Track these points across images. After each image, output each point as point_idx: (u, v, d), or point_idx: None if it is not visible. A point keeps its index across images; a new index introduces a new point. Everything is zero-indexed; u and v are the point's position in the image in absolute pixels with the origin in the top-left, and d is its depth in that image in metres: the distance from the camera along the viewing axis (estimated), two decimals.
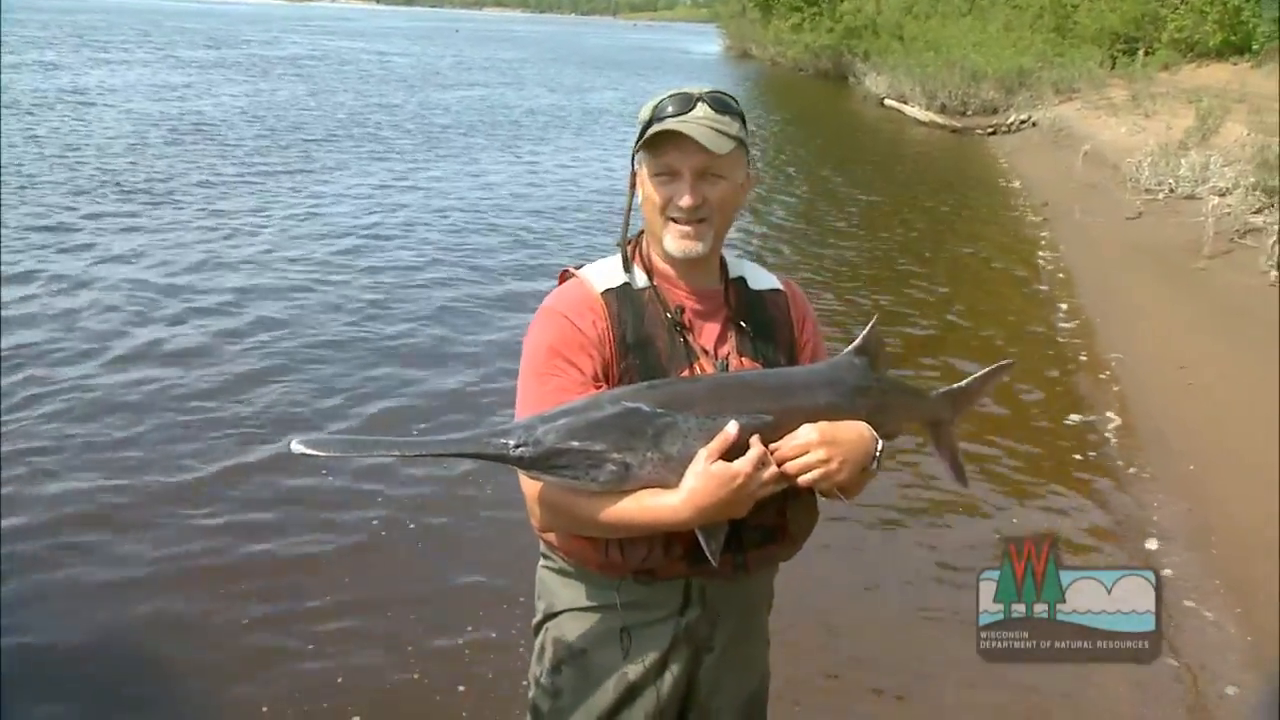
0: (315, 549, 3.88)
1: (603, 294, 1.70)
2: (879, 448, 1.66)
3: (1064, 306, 7.77)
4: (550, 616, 1.82)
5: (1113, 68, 19.35)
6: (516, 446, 1.48)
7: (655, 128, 1.64)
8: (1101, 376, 6.20)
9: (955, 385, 1.99)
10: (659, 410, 1.52)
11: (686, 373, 1.67)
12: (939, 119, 20.94)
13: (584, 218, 10.49)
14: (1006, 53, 21.80)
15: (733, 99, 1.70)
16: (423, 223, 9.72)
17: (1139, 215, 10.14)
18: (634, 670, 1.74)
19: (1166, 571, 3.95)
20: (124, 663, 3.22)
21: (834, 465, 1.59)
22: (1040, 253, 9.68)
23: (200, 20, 50.41)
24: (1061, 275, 8.74)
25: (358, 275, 7.69)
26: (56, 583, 3.58)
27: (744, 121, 1.70)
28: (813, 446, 1.58)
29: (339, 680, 3.15)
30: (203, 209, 9.67)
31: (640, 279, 1.73)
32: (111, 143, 12.92)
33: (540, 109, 20.87)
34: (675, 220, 1.66)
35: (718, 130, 1.63)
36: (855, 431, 1.64)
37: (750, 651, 1.87)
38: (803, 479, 1.59)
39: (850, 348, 1.79)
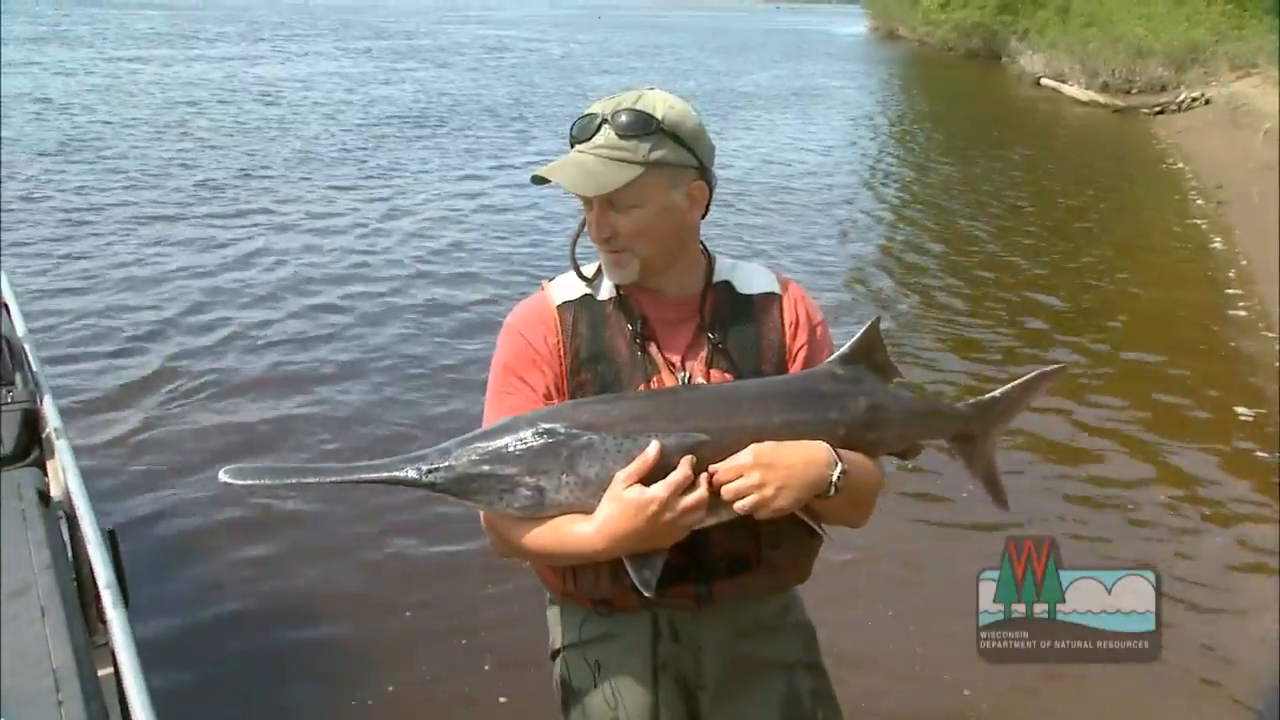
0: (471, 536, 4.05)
1: (559, 307, 1.58)
2: (837, 472, 1.44)
3: (1238, 293, 7.39)
4: (555, 654, 1.72)
5: None
6: (429, 471, 1.41)
7: (562, 158, 1.52)
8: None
9: (988, 395, 1.74)
10: (574, 430, 1.41)
11: (644, 387, 1.53)
12: (1100, 98, 20.01)
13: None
14: (1179, 26, 20.57)
15: (654, 116, 1.46)
16: None
17: None
18: (624, 713, 1.61)
19: None
20: (277, 638, 3.35)
21: (769, 491, 1.41)
22: (1214, 238, 9.21)
23: (355, 14, 52.62)
24: (1233, 262, 8.29)
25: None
26: (233, 557, 3.75)
27: (675, 136, 1.48)
28: (746, 470, 1.41)
29: (485, 668, 3.20)
30: (439, 191, 10.28)
31: (606, 289, 1.59)
32: (327, 129, 13.77)
33: (721, 90, 20.97)
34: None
35: (614, 160, 1.45)
36: (802, 453, 1.44)
37: (760, 690, 1.64)
38: (736, 505, 1.42)
39: (835, 355, 1.59)
